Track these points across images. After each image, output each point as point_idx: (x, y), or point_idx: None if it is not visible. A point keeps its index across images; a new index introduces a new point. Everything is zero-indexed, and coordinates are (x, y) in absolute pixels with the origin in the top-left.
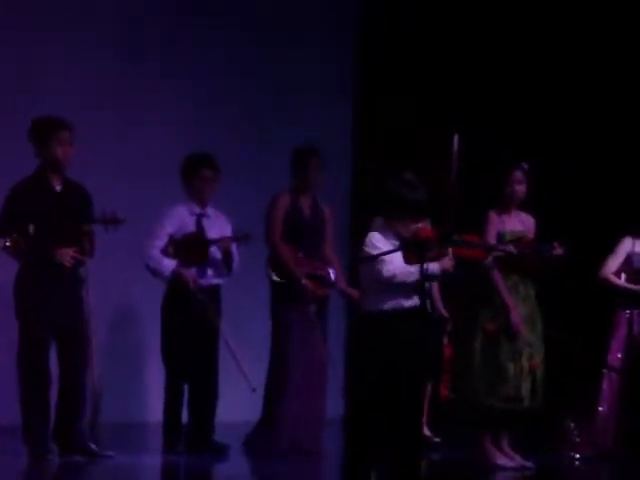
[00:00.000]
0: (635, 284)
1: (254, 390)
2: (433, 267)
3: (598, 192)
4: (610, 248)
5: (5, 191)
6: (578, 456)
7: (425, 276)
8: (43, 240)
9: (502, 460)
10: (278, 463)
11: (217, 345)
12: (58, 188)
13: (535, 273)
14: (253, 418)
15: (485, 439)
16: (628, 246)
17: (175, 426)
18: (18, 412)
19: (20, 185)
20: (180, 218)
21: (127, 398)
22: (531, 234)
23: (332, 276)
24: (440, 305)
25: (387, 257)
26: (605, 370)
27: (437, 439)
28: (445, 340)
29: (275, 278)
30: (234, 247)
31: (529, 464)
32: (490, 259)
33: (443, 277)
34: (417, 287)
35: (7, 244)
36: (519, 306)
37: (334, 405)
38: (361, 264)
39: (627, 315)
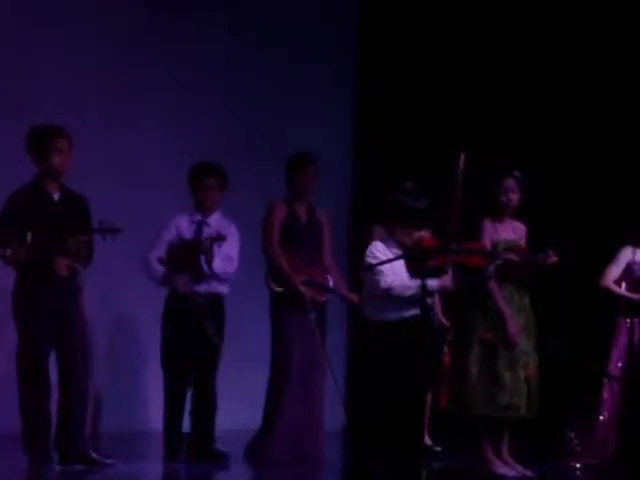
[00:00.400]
0: (635, 293)
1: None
2: (432, 283)
3: (598, 201)
4: (610, 257)
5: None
6: (579, 465)
7: (424, 291)
8: (40, 249)
9: (503, 469)
10: (279, 471)
11: (217, 353)
12: (56, 197)
13: (529, 281)
14: (253, 426)
15: (486, 448)
16: (628, 255)
17: (176, 434)
18: (18, 420)
19: (17, 193)
20: (178, 227)
21: (127, 407)
22: (523, 242)
23: (331, 282)
24: (440, 314)
25: (387, 269)
26: (606, 379)
27: (438, 448)
28: (445, 349)
29: (275, 288)
30: (218, 251)
31: (530, 473)
32: (492, 266)
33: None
34: (417, 299)
35: (7, 254)
36: (515, 316)
37: (335, 414)
38: (363, 273)
39: (627, 324)
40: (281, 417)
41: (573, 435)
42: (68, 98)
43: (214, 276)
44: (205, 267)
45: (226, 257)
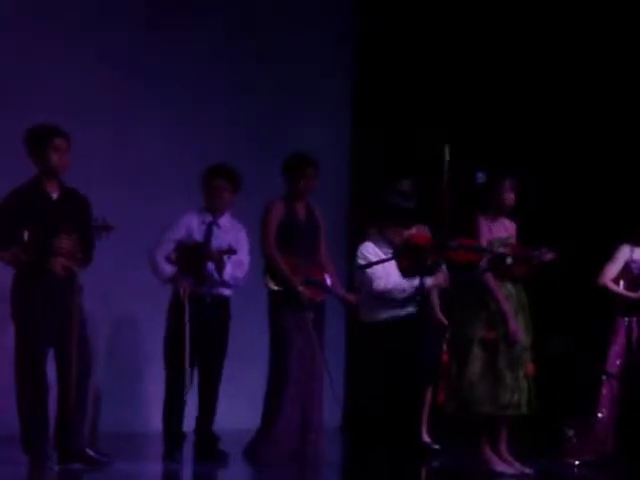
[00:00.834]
0: (634, 291)
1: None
2: (427, 282)
3: (596, 199)
4: (608, 255)
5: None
6: (577, 462)
7: (419, 290)
8: (38, 248)
9: (501, 467)
10: (278, 471)
11: (221, 355)
12: (54, 196)
13: (525, 279)
14: (253, 426)
15: (484, 446)
16: (627, 253)
17: (176, 433)
18: (17, 420)
19: (16, 192)
20: (188, 226)
21: (127, 406)
22: (514, 240)
23: (328, 281)
24: (439, 312)
25: (379, 270)
26: (604, 376)
27: (437, 446)
28: (444, 347)
29: (273, 287)
30: (229, 260)
31: (528, 470)
32: (484, 261)
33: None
34: (412, 298)
35: (6, 256)
36: (515, 313)
37: (333, 412)
38: (357, 274)
39: (626, 322)
40: (280, 416)
41: (572, 432)
42: (68, 98)
43: (224, 283)
44: (216, 275)
45: (237, 262)
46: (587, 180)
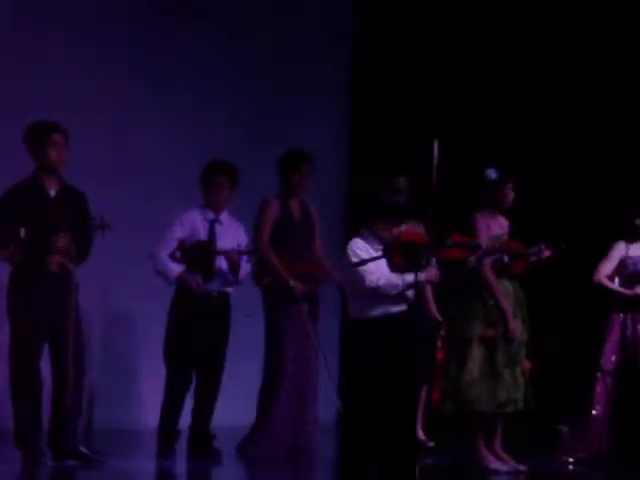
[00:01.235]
0: (629, 288)
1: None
2: (419, 277)
3: (593, 196)
4: (604, 252)
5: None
6: (572, 460)
7: (411, 286)
8: (35, 245)
9: (496, 464)
10: (272, 467)
11: (222, 352)
12: (52, 192)
13: (522, 275)
14: (246, 423)
15: (479, 443)
16: (622, 250)
17: (172, 431)
18: (10, 417)
19: (13, 189)
20: (192, 223)
21: (121, 403)
22: (506, 236)
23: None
24: (433, 308)
25: (370, 266)
26: (599, 373)
27: (431, 443)
28: (438, 343)
29: (264, 282)
30: (243, 259)
31: (523, 468)
32: (473, 258)
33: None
34: (404, 294)
35: (3, 253)
36: (514, 310)
37: (328, 408)
38: (345, 271)
39: (620, 319)
40: (275, 412)
41: (566, 429)
42: (68, 98)
43: (236, 282)
44: (229, 275)
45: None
46: (583, 177)
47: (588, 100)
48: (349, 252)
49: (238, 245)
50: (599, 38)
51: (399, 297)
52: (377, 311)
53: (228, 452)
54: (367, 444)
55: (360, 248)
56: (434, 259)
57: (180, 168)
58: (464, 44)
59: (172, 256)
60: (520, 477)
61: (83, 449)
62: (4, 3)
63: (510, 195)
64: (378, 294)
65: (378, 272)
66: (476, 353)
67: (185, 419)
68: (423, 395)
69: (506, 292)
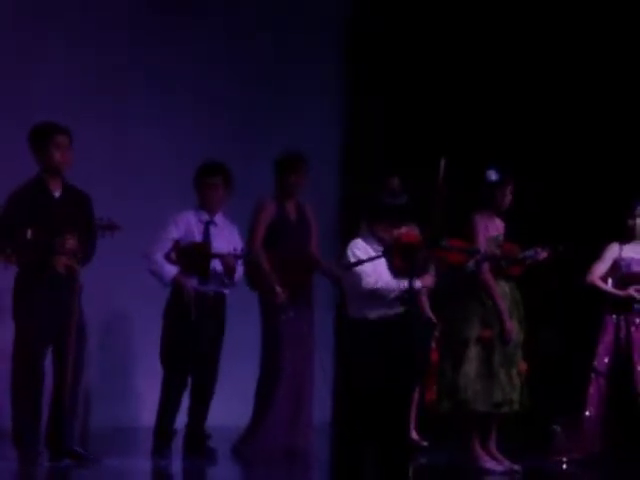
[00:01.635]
0: (622, 289)
1: None
2: (415, 284)
3: (586, 198)
4: (597, 254)
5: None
6: (565, 460)
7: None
8: (40, 246)
9: (490, 464)
10: (267, 468)
11: (218, 352)
12: (57, 194)
13: (518, 277)
14: (241, 423)
15: (473, 443)
16: (615, 252)
17: (168, 430)
18: (7, 416)
19: (18, 191)
20: (187, 224)
21: (117, 403)
22: (502, 237)
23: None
24: (428, 309)
25: (369, 268)
26: (592, 374)
27: (425, 443)
28: (432, 344)
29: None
30: (238, 263)
31: (517, 468)
32: (471, 262)
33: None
34: (399, 298)
35: (7, 253)
36: (511, 311)
37: (323, 409)
38: (343, 272)
39: (614, 320)
40: (271, 412)
41: (560, 430)
42: (68, 98)
43: (232, 284)
44: (225, 278)
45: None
46: (577, 180)
47: (582, 100)
48: (349, 252)
49: (234, 249)
50: (602, 47)
51: (396, 300)
52: (375, 312)
53: (223, 452)
54: (361, 444)
55: (359, 249)
56: (432, 266)
57: (180, 168)
58: (464, 44)
59: (167, 257)
60: (514, 477)
61: (79, 449)
62: (4, 3)
63: (509, 197)
64: (375, 296)
65: (376, 275)
66: (473, 354)
67: (180, 418)
68: (416, 395)
69: (503, 293)
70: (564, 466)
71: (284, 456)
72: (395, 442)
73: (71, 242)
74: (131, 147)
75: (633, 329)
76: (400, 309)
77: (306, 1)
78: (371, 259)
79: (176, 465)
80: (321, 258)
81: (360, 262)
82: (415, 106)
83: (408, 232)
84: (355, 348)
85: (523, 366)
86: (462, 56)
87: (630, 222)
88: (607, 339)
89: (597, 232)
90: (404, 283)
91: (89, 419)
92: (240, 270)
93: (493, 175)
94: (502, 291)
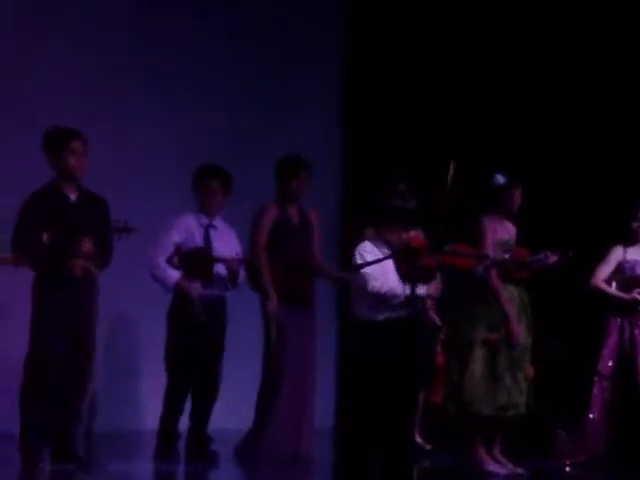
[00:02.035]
0: (626, 292)
1: None
2: (420, 291)
3: (590, 201)
4: (601, 257)
5: (15, 197)
6: (569, 463)
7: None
8: (57, 250)
9: (493, 467)
10: (270, 470)
11: (221, 355)
12: (73, 197)
13: (526, 280)
14: (244, 426)
15: (478, 446)
16: (619, 254)
17: (172, 434)
18: (9, 419)
19: (34, 195)
20: (188, 228)
21: (120, 406)
22: (513, 242)
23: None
24: (432, 313)
25: (376, 271)
26: (596, 377)
27: (429, 446)
28: (438, 348)
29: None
30: (240, 267)
31: (520, 471)
32: (480, 268)
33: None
34: (404, 303)
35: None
36: (518, 314)
37: (325, 413)
38: (352, 273)
39: (618, 323)
40: (273, 416)
41: (564, 433)
42: (68, 98)
43: (232, 288)
44: (228, 282)
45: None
46: (581, 182)
47: (587, 104)
48: (357, 254)
49: (237, 254)
50: (612, 52)
51: (400, 305)
52: (381, 315)
53: (225, 455)
54: (366, 446)
55: (368, 251)
56: (439, 273)
57: (180, 168)
58: (469, 44)
59: (169, 261)
60: None
61: (82, 453)
62: (4, 3)
63: (518, 200)
64: (380, 299)
65: (382, 279)
66: (478, 356)
67: (183, 422)
68: (420, 398)
69: (511, 297)
70: (567, 469)
71: (287, 459)
72: (400, 445)
73: (87, 245)
74: (131, 147)
75: (637, 332)
76: (404, 313)
77: (306, 1)
78: (379, 260)
79: (179, 469)
80: (324, 262)
81: (369, 263)
82: (416, 106)
83: (416, 236)
84: (361, 349)
85: (530, 371)
86: (467, 56)
87: (634, 224)
88: (611, 342)
89: (601, 235)
90: (408, 289)
91: (93, 422)
92: (242, 273)
93: (501, 179)
94: (510, 295)
